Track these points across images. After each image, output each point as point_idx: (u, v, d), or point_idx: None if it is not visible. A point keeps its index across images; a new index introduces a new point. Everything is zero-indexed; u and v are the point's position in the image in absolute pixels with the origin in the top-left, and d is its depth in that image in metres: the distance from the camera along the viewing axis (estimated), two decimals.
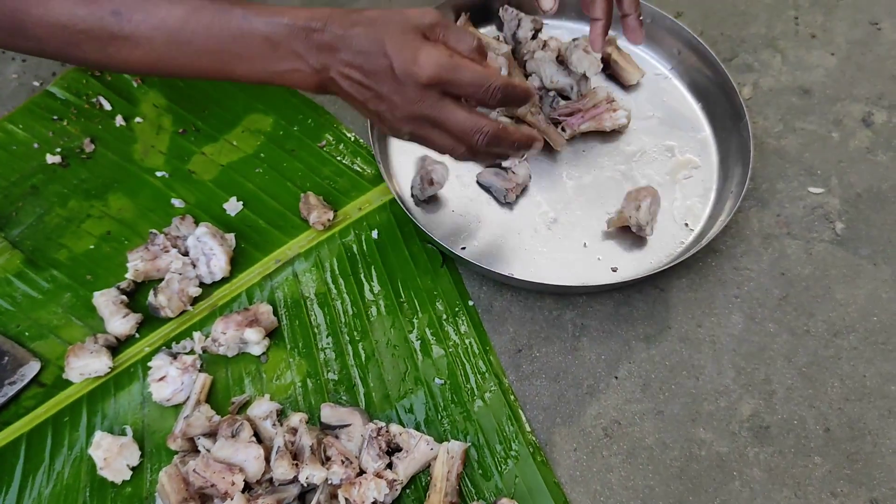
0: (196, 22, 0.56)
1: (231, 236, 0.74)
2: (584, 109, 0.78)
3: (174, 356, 0.68)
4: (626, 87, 0.83)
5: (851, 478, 0.64)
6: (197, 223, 0.74)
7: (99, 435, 0.64)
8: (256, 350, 0.68)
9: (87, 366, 0.66)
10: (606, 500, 0.64)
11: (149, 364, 0.67)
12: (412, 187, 0.75)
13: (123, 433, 0.65)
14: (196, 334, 0.69)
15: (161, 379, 0.66)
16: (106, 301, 0.69)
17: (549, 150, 0.79)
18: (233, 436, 0.61)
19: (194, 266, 0.71)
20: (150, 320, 0.71)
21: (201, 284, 0.72)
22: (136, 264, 0.71)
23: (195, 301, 0.72)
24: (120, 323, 0.68)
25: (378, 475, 0.60)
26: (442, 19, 0.57)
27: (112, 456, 0.63)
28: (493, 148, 0.58)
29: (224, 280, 0.73)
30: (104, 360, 0.67)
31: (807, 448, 0.66)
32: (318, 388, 0.68)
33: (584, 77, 0.78)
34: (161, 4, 0.55)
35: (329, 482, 0.60)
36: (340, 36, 0.55)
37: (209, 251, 0.71)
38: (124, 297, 0.71)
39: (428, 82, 0.54)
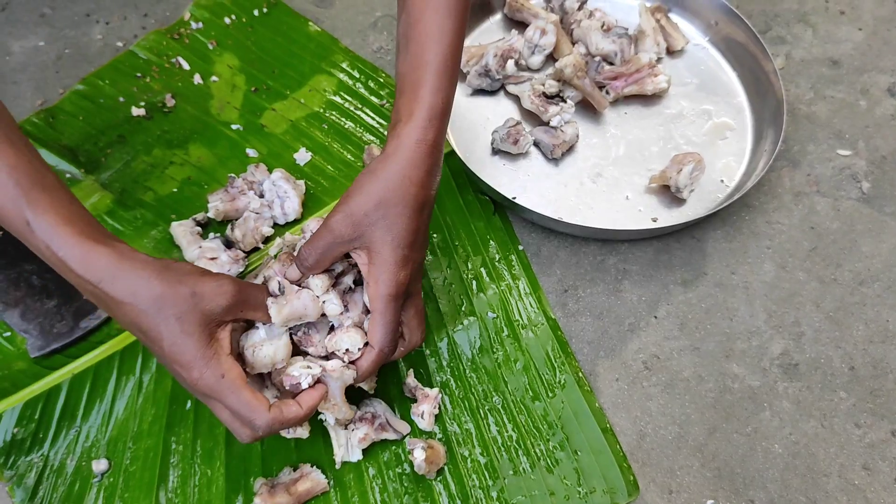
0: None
1: (302, 182, 0.80)
2: (628, 74, 0.84)
3: (229, 245, 0.74)
4: (671, 52, 0.89)
5: (874, 411, 0.70)
6: (270, 171, 0.80)
7: None
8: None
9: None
10: (646, 425, 0.69)
11: (201, 244, 0.74)
12: (495, 133, 0.81)
13: None
14: (287, 234, 0.75)
15: (212, 259, 0.72)
16: (183, 231, 0.76)
17: (593, 111, 0.84)
18: None
19: (270, 207, 0.78)
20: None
21: (274, 225, 0.79)
22: (217, 204, 0.77)
23: (267, 240, 0.78)
24: (197, 251, 0.75)
25: None
26: (243, 295, 0.55)
27: None
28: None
29: (295, 221, 0.79)
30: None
31: (833, 384, 0.71)
32: None
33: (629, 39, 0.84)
34: None
35: None
36: (117, 302, 0.51)
37: (283, 194, 0.77)
38: (199, 229, 0.77)
39: (194, 391, 0.54)
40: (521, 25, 0.89)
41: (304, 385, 0.57)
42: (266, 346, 0.57)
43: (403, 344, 0.63)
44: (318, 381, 0.58)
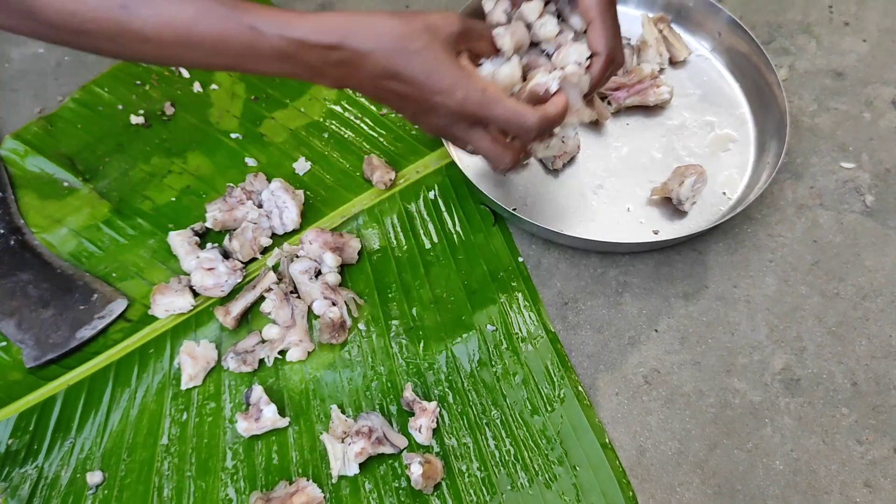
0: (205, 25, 0.52)
1: (301, 192, 0.80)
2: (630, 85, 0.83)
3: (227, 256, 0.74)
4: (674, 63, 0.89)
5: (876, 428, 0.69)
6: (269, 180, 0.80)
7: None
8: (330, 279, 0.74)
9: (172, 303, 0.73)
10: (646, 440, 0.69)
11: (198, 254, 0.74)
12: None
13: None
14: (285, 245, 0.76)
15: (210, 269, 0.72)
16: (181, 241, 0.76)
17: (595, 122, 0.84)
18: None
19: (268, 217, 0.77)
20: None
21: (273, 235, 0.78)
22: (215, 214, 0.77)
23: (265, 250, 0.78)
24: (195, 262, 0.74)
25: None
26: (466, 25, 0.56)
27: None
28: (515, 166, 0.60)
29: (294, 231, 0.78)
30: (188, 299, 0.73)
31: (835, 400, 0.70)
32: (380, 329, 0.73)
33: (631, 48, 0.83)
34: (169, 3, 0.51)
35: None
36: (362, 54, 0.52)
37: (282, 204, 0.77)
38: (197, 239, 0.77)
39: (460, 115, 0.54)
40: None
41: (553, 87, 0.58)
42: (504, 68, 0.58)
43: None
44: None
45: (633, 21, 0.90)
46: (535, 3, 0.60)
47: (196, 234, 0.77)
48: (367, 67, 0.53)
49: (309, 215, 0.80)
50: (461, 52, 0.56)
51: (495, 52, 0.59)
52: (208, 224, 0.77)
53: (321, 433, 0.67)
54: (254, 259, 0.77)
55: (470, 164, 0.82)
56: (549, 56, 0.61)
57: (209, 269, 0.73)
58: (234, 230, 0.77)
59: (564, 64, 0.59)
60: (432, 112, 0.55)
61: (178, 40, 0.52)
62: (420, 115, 0.57)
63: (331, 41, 0.52)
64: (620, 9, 0.89)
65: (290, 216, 0.77)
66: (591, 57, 0.60)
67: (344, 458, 0.65)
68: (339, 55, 0.52)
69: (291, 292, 0.73)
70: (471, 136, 0.57)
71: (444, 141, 0.79)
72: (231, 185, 0.79)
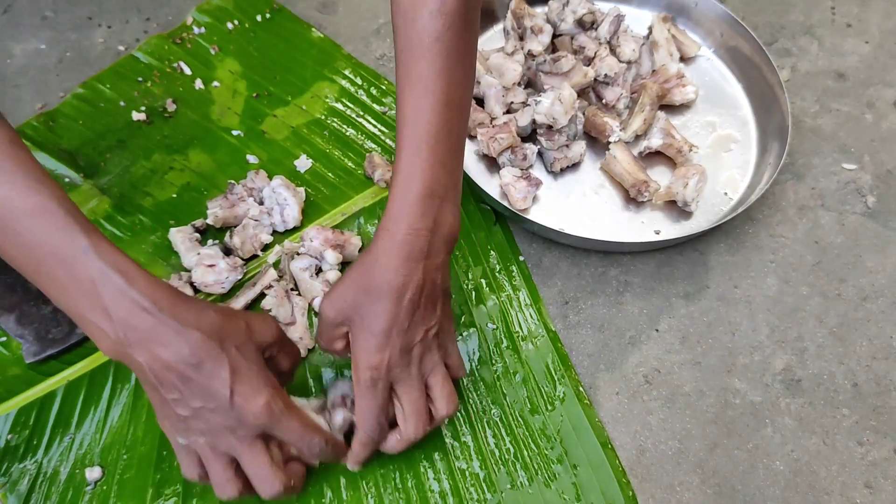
0: (34, 223, 0.49)
1: (302, 189, 0.79)
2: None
3: (227, 252, 0.74)
4: (685, 59, 0.89)
5: (877, 429, 0.69)
6: (270, 177, 0.80)
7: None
8: (331, 276, 0.73)
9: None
10: (646, 440, 0.68)
11: (199, 251, 0.74)
12: (502, 158, 0.80)
13: None
14: (286, 242, 0.76)
15: (211, 266, 0.72)
16: (182, 237, 0.75)
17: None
18: None
19: (269, 214, 0.77)
20: None
21: (274, 232, 0.78)
22: (216, 211, 0.77)
23: (266, 247, 0.78)
24: (195, 258, 0.74)
25: None
26: (280, 335, 0.58)
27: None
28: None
29: (295, 229, 0.78)
30: (188, 294, 0.73)
31: (835, 400, 0.70)
32: None
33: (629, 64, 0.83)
34: (14, 183, 0.49)
35: None
36: (177, 330, 0.50)
37: (283, 201, 0.77)
38: (198, 235, 0.77)
39: (253, 422, 0.52)
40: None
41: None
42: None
43: (399, 432, 0.61)
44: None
45: (635, 20, 0.90)
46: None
47: (197, 230, 0.77)
48: (174, 344, 0.50)
49: (310, 213, 0.80)
50: (271, 359, 0.58)
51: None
52: (209, 221, 0.77)
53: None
54: (255, 256, 0.77)
55: (471, 163, 0.82)
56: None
57: (210, 266, 0.72)
58: (236, 227, 0.77)
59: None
60: (220, 411, 0.52)
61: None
62: (204, 411, 0.52)
63: (153, 304, 0.50)
64: (626, 8, 0.90)
65: (291, 213, 0.77)
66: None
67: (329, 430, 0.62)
68: (148, 321, 0.50)
69: (292, 289, 0.73)
70: (250, 448, 0.54)
71: None
72: (232, 181, 0.78)
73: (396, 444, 0.61)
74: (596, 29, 0.85)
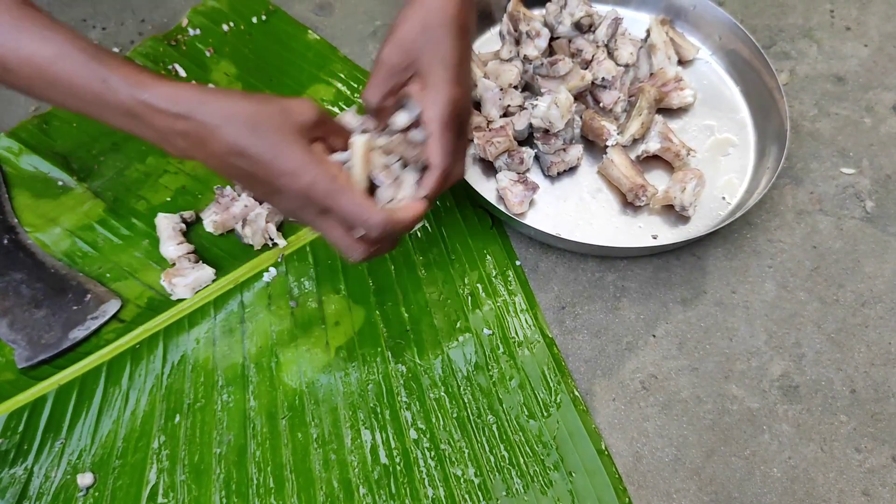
0: (61, 68, 0.52)
1: None
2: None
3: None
4: (683, 63, 0.89)
5: (875, 436, 0.68)
6: None
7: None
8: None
9: (197, 279, 0.73)
10: (642, 446, 0.68)
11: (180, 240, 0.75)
12: (499, 161, 0.79)
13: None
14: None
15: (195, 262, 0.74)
16: (167, 224, 0.75)
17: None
18: None
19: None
20: (223, 267, 0.76)
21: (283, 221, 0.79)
22: (213, 218, 0.76)
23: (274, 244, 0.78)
24: (174, 248, 0.74)
25: None
26: (323, 115, 0.55)
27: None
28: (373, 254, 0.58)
29: (295, 229, 0.79)
30: (208, 270, 0.73)
31: (833, 407, 0.70)
32: (374, 333, 0.72)
33: (626, 67, 0.83)
34: (34, 39, 0.52)
35: None
36: (209, 128, 0.51)
37: None
38: (183, 226, 0.77)
39: (305, 201, 0.53)
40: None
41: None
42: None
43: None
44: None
45: (633, 23, 0.90)
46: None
47: (184, 221, 0.77)
48: (213, 142, 0.52)
49: None
50: (315, 140, 0.55)
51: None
52: (209, 229, 0.77)
53: (315, 436, 0.67)
54: (265, 246, 0.77)
55: (468, 168, 0.81)
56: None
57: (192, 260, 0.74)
58: (246, 219, 0.76)
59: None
60: (278, 194, 0.54)
61: (38, 76, 0.52)
62: (268, 195, 0.56)
63: (178, 110, 0.51)
64: (624, 11, 0.90)
65: None
66: (426, 169, 0.60)
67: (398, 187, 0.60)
68: (185, 125, 0.51)
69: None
70: (321, 224, 0.56)
71: None
72: (219, 186, 0.78)
73: (439, 187, 0.61)
74: (594, 32, 0.84)
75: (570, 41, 0.85)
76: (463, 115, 0.60)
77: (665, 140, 0.78)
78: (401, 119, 0.61)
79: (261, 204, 0.75)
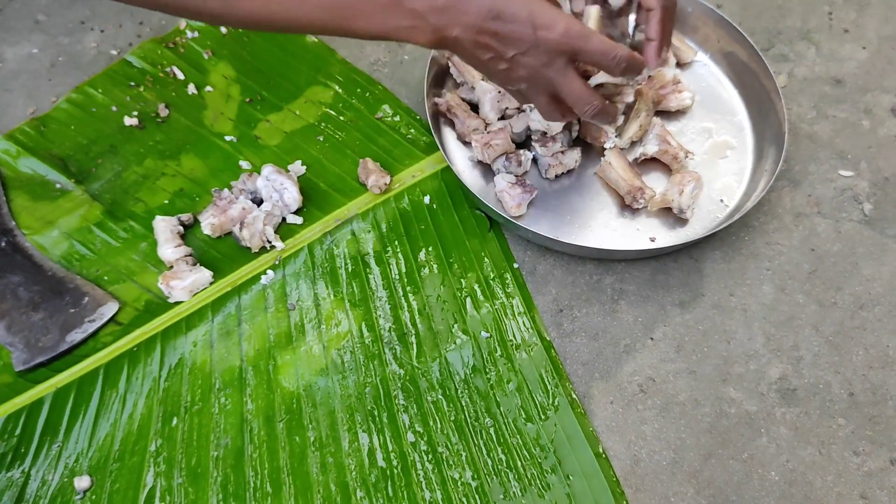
0: None
1: (298, 163, 0.81)
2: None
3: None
4: (682, 65, 0.89)
5: (873, 439, 0.68)
6: None
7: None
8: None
9: (194, 282, 0.73)
10: (640, 449, 0.68)
11: (175, 256, 0.75)
12: (497, 164, 0.79)
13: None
14: None
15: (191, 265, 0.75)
16: (164, 227, 0.75)
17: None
18: None
19: (261, 203, 0.78)
20: (221, 269, 0.76)
21: (282, 221, 0.79)
22: (211, 221, 0.76)
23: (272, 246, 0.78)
24: (171, 251, 0.74)
25: None
26: None
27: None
28: (593, 120, 0.63)
29: (299, 210, 0.79)
30: (206, 273, 0.73)
31: (831, 410, 0.70)
32: (372, 336, 0.72)
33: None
34: None
35: None
36: None
37: (280, 186, 0.77)
38: (181, 229, 0.77)
39: (560, 48, 0.57)
40: None
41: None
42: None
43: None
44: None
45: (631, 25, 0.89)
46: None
47: (182, 223, 0.77)
48: (473, 8, 0.55)
49: (304, 218, 0.79)
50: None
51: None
52: (206, 231, 0.76)
53: (312, 439, 0.66)
54: (263, 249, 0.77)
55: (465, 170, 0.81)
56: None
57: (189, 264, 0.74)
58: (244, 221, 0.76)
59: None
60: (532, 51, 0.57)
61: None
62: (519, 57, 0.58)
63: None
64: None
65: (291, 195, 0.77)
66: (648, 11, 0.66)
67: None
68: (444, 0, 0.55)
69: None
70: (565, 77, 0.59)
71: (439, 145, 0.78)
72: (216, 189, 0.78)
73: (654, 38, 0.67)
74: None
75: None
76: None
77: (663, 143, 0.78)
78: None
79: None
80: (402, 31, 0.57)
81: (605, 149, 0.79)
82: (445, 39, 0.57)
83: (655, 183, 0.80)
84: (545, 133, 0.78)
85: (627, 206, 0.78)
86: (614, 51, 0.58)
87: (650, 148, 0.79)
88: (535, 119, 0.76)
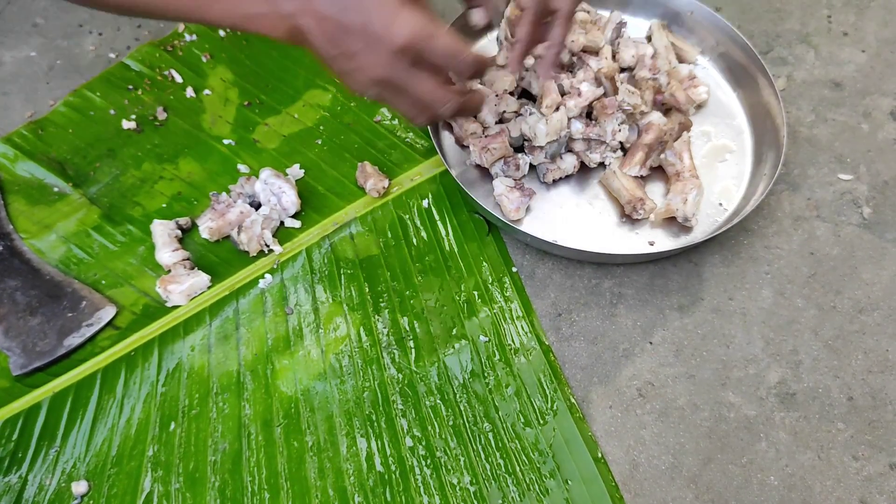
0: None
1: (296, 167, 0.80)
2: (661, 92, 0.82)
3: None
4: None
5: (872, 443, 0.68)
6: None
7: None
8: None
9: (192, 286, 0.73)
10: (639, 454, 0.68)
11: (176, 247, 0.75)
12: (495, 168, 0.79)
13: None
14: None
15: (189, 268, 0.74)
16: (162, 231, 0.75)
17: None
18: None
19: (259, 206, 0.78)
20: (219, 273, 0.76)
21: (280, 225, 0.79)
22: (209, 225, 0.76)
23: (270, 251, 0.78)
24: (169, 255, 0.74)
25: None
26: None
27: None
28: (453, 117, 0.62)
29: (297, 214, 0.79)
30: (203, 277, 0.73)
31: (830, 415, 0.70)
32: (370, 341, 0.72)
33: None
34: None
35: None
36: None
37: (278, 190, 0.77)
38: (178, 233, 0.76)
39: (401, 48, 0.55)
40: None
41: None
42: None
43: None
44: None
45: (632, 27, 0.89)
46: None
47: (180, 227, 0.77)
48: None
49: (302, 222, 0.79)
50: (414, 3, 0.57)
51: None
52: (204, 235, 0.76)
53: (310, 444, 0.66)
54: (261, 253, 0.77)
55: (464, 174, 0.81)
56: None
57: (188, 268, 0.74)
58: (241, 225, 0.76)
59: None
60: (375, 49, 0.55)
61: None
62: (363, 56, 0.56)
63: None
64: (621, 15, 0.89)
65: (289, 199, 0.77)
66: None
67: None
68: None
69: None
70: (413, 78, 0.58)
71: (437, 149, 0.78)
72: (214, 192, 0.78)
73: (552, 43, 0.68)
74: (573, 73, 0.83)
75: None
76: None
77: (676, 156, 0.77)
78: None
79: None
80: (257, 18, 0.56)
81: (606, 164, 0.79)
82: (297, 30, 0.56)
83: (652, 188, 0.80)
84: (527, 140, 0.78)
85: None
86: (460, 52, 0.57)
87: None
88: (527, 124, 0.76)
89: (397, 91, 0.59)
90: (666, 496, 0.65)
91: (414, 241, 0.78)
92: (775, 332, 0.74)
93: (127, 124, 0.85)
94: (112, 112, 0.86)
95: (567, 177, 0.81)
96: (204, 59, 0.91)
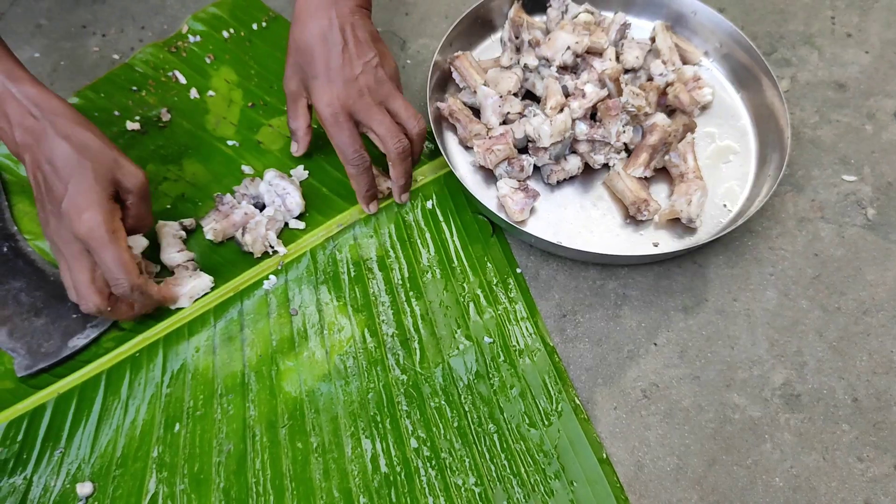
0: None
1: (300, 168, 0.80)
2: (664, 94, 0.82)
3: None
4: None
5: (877, 444, 0.68)
6: None
7: None
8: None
9: (194, 287, 0.73)
10: (644, 455, 0.68)
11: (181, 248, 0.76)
12: (499, 170, 0.79)
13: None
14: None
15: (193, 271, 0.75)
16: (167, 231, 0.75)
17: None
18: None
19: (263, 208, 0.78)
20: (223, 275, 0.76)
21: (284, 226, 0.79)
22: (213, 226, 0.76)
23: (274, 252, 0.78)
24: (174, 255, 0.74)
25: None
26: (143, 189, 0.65)
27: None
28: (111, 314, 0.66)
29: (301, 216, 0.79)
30: (206, 278, 0.73)
31: (835, 416, 0.70)
32: (375, 342, 0.72)
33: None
34: None
35: None
36: (49, 137, 0.61)
37: (282, 191, 0.77)
38: (183, 234, 0.77)
39: (76, 235, 0.60)
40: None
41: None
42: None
43: (390, 162, 0.73)
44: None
45: (636, 28, 0.90)
46: None
47: (184, 228, 0.77)
48: (45, 145, 0.61)
49: (306, 223, 0.79)
50: (116, 205, 0.64)
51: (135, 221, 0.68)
52: (209, 236, 0.76)
53: (315, 445, 0.66)
54: (265, 254, 0.77)
55: (467, 174, 0.81)
56: None
57: (192, 270, 0.74)
58: (245, 226, 0.76)
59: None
60: (59, 219, 0.61)
61: None
62: (51, 216, 0.62)
63: (34, 112, 0.61)
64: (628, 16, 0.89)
65: (294, 200, 0.77)
66: None
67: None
68: (32, 124, 0.61)
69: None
70: (75, 262, 0.62)
71: (441, 150, 0.78)
72: (219, 194, 0.78)
73: (398, 180, 0.74)
74: (577, 74, 0.83)
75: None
76: (351, 105, 0.70)
77: (680, 158, 0.78)
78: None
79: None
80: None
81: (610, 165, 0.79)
82: (19, 156, 0.63)
83: (656, 190, 0.80)
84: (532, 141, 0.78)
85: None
86: (120, 272, 0.61)
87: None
88: (531, 125, 0.76)
89: (64, 264, 0.63)
90: (671, 497, 0.65)
91: (418, 242, 0.78)
92: (780, 333, 0.74)
93: (131, 125, 0.85)
94: (116, 113, 0.86)
95: (571, 178, 0.81)
96: (208, 61, 0.91)
